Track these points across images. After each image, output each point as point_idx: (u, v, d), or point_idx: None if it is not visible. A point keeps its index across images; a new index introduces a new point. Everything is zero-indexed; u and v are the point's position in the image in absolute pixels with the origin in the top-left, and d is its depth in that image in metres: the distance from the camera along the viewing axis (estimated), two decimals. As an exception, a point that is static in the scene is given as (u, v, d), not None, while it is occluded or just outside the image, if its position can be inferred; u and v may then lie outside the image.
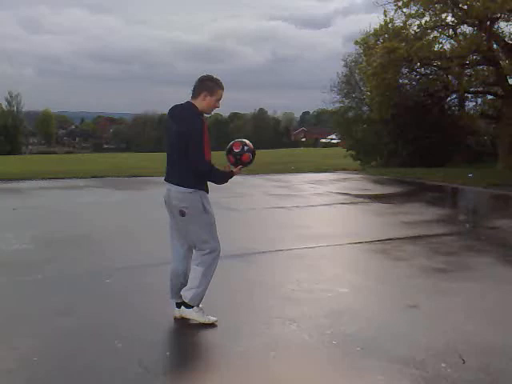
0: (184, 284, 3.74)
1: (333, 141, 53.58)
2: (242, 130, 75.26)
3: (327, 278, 4.91)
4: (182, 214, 3.61)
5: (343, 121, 26.04)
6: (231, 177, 3.73)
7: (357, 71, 23.94)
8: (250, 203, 9.33)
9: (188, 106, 3.67)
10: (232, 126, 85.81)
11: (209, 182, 3.71)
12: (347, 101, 27.22)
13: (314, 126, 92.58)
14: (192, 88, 3.70)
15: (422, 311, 4.07)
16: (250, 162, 3.77)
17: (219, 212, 7.98)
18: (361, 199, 10.07)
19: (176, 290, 3.78)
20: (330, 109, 28.83)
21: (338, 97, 27.68)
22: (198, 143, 3.52)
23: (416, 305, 4.18)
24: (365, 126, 23.30)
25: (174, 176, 3.64)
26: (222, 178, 3.70)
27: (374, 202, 9.91)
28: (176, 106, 3.77)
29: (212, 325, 3.71)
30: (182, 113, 3.68)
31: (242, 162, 3.71)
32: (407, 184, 12.71)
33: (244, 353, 3.30)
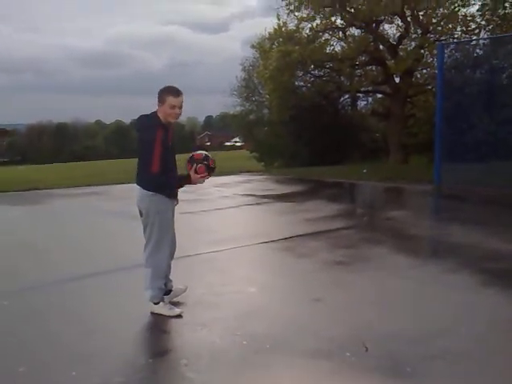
0: (165, 278, 4.13)
1: (237, 144, 54.28)
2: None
3: (236, 279, 4.99)
4: (141, 214, 3.99)
5: (245, 124, 26.50)
6: (181, 186, 4.00)
7: (255, 75, 24.46)
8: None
9: (151, 115, 3.93)
10: (134, 132, 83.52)
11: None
12: (247, 104, 27.76)
13: (218, 129, 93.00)
14: None
15: (325, 304, 4.26)
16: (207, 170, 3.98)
17: (124, 221, 7.89)
18: (265, 199, 10.30)
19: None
20: (231, 112, 29.25)
21: (239, 100, 28.18)
22: (147, 153, 3.78)
23: (320, 298, 4.36)
24: (266, 128, 23.87)
25: (139, 179, 3.97)
26: (168, 186, 3.94)
27: (277, 201, 10.18)
28: (142, 116, 4.03)
29: (178, 316, 3.97)
30: (144, 122, 4.00)
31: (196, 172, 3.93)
32: (308, 182, 13.19)
33: (153, 363, 3.28)
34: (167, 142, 3.85)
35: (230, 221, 8.41)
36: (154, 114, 3.91)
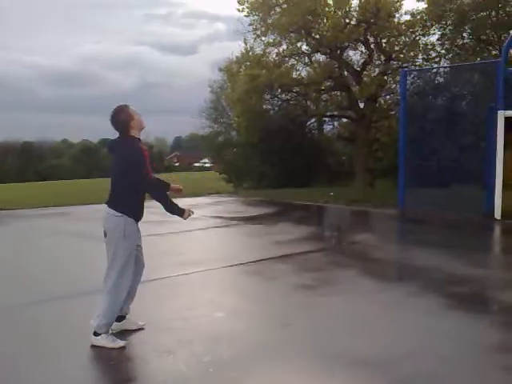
0: (125, 303, 3.98)
1: (206, 165, 54.22)
2: (110, 157, 72.64)
3: (203, 303, 4.93)
4: (105, 234, 3.90)
5: (214, 145, 26.58)
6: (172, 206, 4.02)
7: (223, 97, 24.66)
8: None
9: (127, 137, 3.95)
10: (104, 152, 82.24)
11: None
12: (216, 126, 27.92)
13: (187, 150, 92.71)
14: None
15: (294, 328, 4.24)
16: None
17: (87, 243, 7.73)
18: (234, 222, 10.29)
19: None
20: (201, 134, 29.36)
21: (208, 122, 28.34)
22: (137, 169, 3.86)
23: (289, 323, 4.35)
24: (234, 149, 23.98)
25: (110, 200, 3.93)
26: (160, 190, 4.02)
27: (246, 223, 10.19)
28: (119, 139, 4.01)
29: (122, 348, 3.76)
30: (123, 144, 3.97)
31: None
32: (276, 205, 13.26)
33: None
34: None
35: (198, 243, 8.35)
36: (128, 136, 3.91)
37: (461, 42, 16.69)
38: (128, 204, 3.87)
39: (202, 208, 12.58)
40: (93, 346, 3.81)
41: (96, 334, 3.82)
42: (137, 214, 3.95)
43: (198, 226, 9.63)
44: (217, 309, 4.74)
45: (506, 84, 9.54)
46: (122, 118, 3.89)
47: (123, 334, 4.03)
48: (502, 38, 14.53)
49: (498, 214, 9.35)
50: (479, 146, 10.34)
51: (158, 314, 4.45)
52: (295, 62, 19.31)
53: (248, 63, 18.60)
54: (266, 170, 20.32)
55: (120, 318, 4.08)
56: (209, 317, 4.52)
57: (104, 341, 3.80)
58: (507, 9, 15.34)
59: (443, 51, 17.03)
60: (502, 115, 9.36)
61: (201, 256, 7.13)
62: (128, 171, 3.86)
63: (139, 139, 3.97)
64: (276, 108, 21.04)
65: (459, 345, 3.84)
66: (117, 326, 4.04)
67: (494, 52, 15.22)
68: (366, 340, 3.97)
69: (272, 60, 18.60)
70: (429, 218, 10.10)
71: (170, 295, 5.19)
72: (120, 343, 3.82)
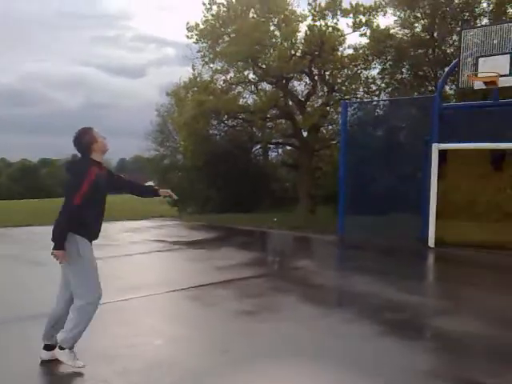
0: (57, 329, 3.89)
1: (151, 187, 53.48)
2: (55, 176, 70.42)
3: (142, 330, 4.86)
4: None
5: (159, 168, 26.43)
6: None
7: (169, 121, 24.65)
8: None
9: (84, 160, 3.96)
10: (44, 171, 79.36)
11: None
12: (162, 149, 27.81)
13: (131, 172, 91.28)
14: None
15: (234, 354, 4.26)
16: None
17: (23, 267, 7.44)
18: (177, 246, 10.22)
19: (47, 332, 3.93)
20: (146, 156, 29.13)
21: (154, 145, 28.18)
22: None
23: (229, 349, 4.37)
24: (180, 173, 23.92)
25: None
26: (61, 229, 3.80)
27: (189, 248, 10.15)
28: (75, 160, 4.14)
29: (80, 368, 3.78)
30: (77, 166, 4.04)
31: None
32: (220, 229, 13.29)
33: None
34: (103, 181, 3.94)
35: (139, 268, 8.23)
36: (88, 158, 3.91)
37: (400, 77, 17.58)
38: (77, 223, 3.81)
39: (145, 231, 12.43)
40: (25, 369, 3.75)
41: (60, 347, 3.84)
42: (88, 234, 3.92)
43: (139, 250, 9.51)
44: (156, 336, 4.69)
45: (440, 118, 10.09)
46: (85, 139, 3.91)
47: (56, 362, 3.91)
48: (438, 74, 15.43)
49: (431, 242, 9.79)
50: (416, 176, 10.82)
51: (95, 341, 4.35)
52: (242, 90, 19.68)
53: (196, 89, 18.76)
54: (211, 194, 20.37)
55: (49, 347, 3.96)
56: (147, 344, 4.46)
57: (66, 357, 3.81)
58: (443, 47, 16.34)
59: (383, 85, 17.87)
60: (436, 148, 9.87)
61: (141, 281, 7.03)
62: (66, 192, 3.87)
63: (99, 162, 3.96)
64: (222, 133, 21.26)
65: (393, 371, 3.95)
66: (46, 355, 3.94)
67: (430, 87, 16.10)
68: (303, 368, 4.04)
69: (219, 87, 18.89)
70: (367, 245, 10.43)
71: (109, 322, 5.07)
72: (79, 363, 3.82)
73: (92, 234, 3.98)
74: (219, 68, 18.56)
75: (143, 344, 4.46)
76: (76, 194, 3.74)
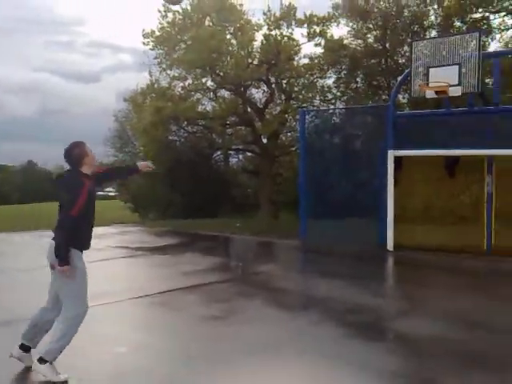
0: (38, 332, 3.97)
1: (110, 193, 52.47)
2: (10, 183, 68.08)
3: (106, 339, 4.84)
4: (52, 267, 3.89)
5: (118, 174, 26.02)
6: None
7: (128, 127, 24.41)
8: (13, 263, 8.66)
9: (77, 174, 4.03)
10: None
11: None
12: (121, 154, 27.50)
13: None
14: None
15: (201, 361, 4.30)
16: None
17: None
18: (141, 252, 10.19)
19: (28, 331, 3.99)
20: (104, 162, 28.69)
21: (112, 150, 27.81)
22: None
23: (196, 355, 4.41)
24: (141, 179, 23.68)
25: (55, 232, 3.92)
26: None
27: (152, 254, 10.12)
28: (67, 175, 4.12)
29: (64, 383, 3.66)
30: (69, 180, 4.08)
31: None
32: (183, 235, 13.29)
33: None
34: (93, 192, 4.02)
35: (102, 275, 8.13)
36: (77, 171, 4.00)
37: (354, 86, 18.08)
38: (73, 236, 3.87)
39: (106, 238, 12.29)
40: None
41: (42, 360, 3.76)
42: (81, 244, 4.01)
43: (101, 257, 9.41)
44: (120, 344, 4.66)
45: (394, 126, 10.46)
46: (76, 152, 4.00)
47: (26, 372, 3.88)
48: (391, 83, 15.96)
49: (390, 246, 10.11)
50: (373, 182, 11.12)
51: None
52: (201, 97, 19.73)
53: (153, 95, 18.68)
54: (173, 200, 20.30)
55: (26, 348, 3.99)
56: (111, 353, 4.43)
57: (47, 370, 3.76)
58: (395, 57, 16.94)
59: (339, 93, 18.33)
60: (391, 154, 10.22)
61: (105, 288, 6.97)
62: (63, 206, 3.93)
63: (88, 175, 4.04)
64: (182, 139, 21.24)
65: (357, 373, 4.12)
66: (17, 353, 3.97)
67: (384, 96, 16.64)
68: (271, 370, 4.15)
69: (178, 93, 18.86)
70: (328, 250, 10.62)
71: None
72: (61, 377, 3.76)
73: (85, 243, 4.07)
74: (177, 75, 18.57)
75: (106, 353, 4.43)
76: (73, 208, 3.81)
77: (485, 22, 15.68)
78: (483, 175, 9.75)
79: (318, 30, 17.38)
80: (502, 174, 9.54)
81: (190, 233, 13.72)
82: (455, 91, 9.40)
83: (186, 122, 19.64)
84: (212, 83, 18.86)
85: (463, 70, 9.31)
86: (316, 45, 17.63)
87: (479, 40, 9.32)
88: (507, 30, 16.04)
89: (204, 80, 18.71)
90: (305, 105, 17.91)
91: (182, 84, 18.84)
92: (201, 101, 19.76)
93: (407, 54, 14.66)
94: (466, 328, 5.28)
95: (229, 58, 17.53)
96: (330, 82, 18.33)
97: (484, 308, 6.10)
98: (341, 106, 17.28)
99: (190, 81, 18.73)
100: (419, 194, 10.21)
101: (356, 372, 4.08)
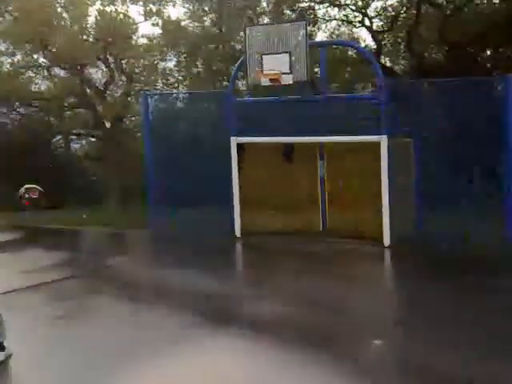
0: None
1: None
2: None
3: None
4: None
5: None
6: None
7: None
8: None
9: None
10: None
11: None
12: None
13: None
14: None
15: (56, 365, 4.23)
16: None
17: None
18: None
19: None
20: None
21: None
22: None
23: (47, 361, 4.31)
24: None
25: None
26: None
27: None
28: None
29: None
30: None
31: None
32: (22, 230, 12.37)
33: None
34: None
35: None
36: None
37: (196, 71, 18.06)
38: None
39: None
40: None
41: None
42: None
43: None
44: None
45: (236, 112, 10.65)
46: None
47: None
48: (230, 70, 16.27)
49: (238, 232, 10.44)
50: (222, 169, 11.02)
51: None
52: (34, 75, 18.32)
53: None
54: (6, 191, 18.58)
55: None
56: None
57: None
58: (232, 43, 17.12)
59: (180, 77, 18.21)
60: (234, 141, 10.48)
61: None
62: None
63: None
64: (16, 122, 19.55)
65: (216, 357, 4.41)
66: None
67: (225, 83, 16.87)
68: (136, 368, 4.25)
69: (6, 70, 17.29)
70: (179, 238, 10.36)
71: None
72: None
73: None
74: (3, 50, 17.01)
75: None
76: None
77: (311, 11, 16.23)
78: (316, 161, 10.48)
79: (154, 9, 17.07)
80: (331, 160, 10.32)
81: (30, 227, 12.81)
82: (287, 79, 9.55)
83: (18, 103, 18.10)
84: (45, 60, 17.61)
85: (293, 58, 9.47)
86: (153, 24, 17.36)
87: (306, 29, 9.58)
88: (331, 20, 17.15)
89: (35, 56, 17.39)
90: (148, 88, 17.60)
91: (10, 60, 17.32)
92: (34, 80, 18.36)
93: (243, 39, 14.99)
94: (311, 308, 5.61)
95: (61, 34, 16.42)
96: (170, 65, 18.21)
97: (324, 288, 6.47)
98: (183, 91, 17.22)
99: (19, 57, 17.30)
100: (262, 180, 10.50)
101: (216, 358, 4.31)
